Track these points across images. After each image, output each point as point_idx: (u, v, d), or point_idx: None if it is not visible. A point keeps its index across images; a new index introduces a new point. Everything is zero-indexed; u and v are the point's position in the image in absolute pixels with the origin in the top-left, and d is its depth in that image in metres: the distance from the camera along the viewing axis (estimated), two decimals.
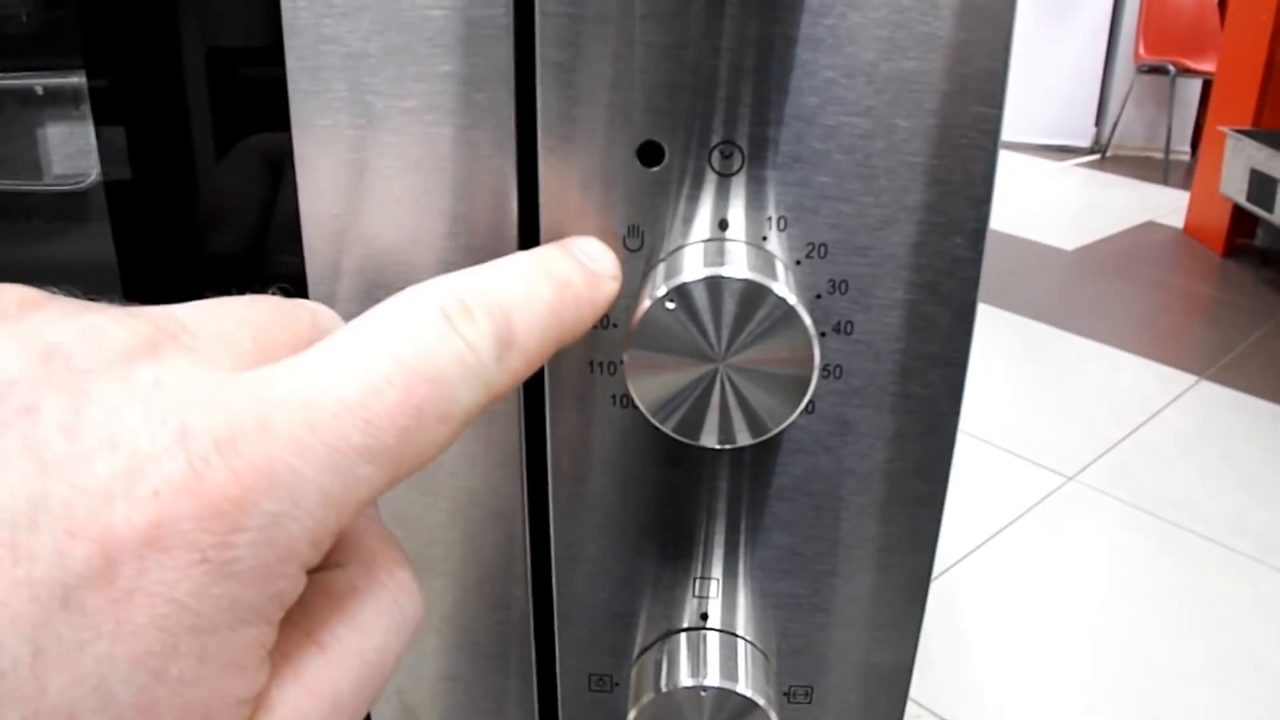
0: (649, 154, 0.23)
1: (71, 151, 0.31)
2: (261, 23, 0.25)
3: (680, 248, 0.23)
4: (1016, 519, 1.76)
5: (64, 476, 0.14)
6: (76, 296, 0.17)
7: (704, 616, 0.28)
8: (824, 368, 0.25)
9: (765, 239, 0.24)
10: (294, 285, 0.25)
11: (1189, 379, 2.28)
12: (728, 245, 0.23)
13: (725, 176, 0.23)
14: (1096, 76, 4.37)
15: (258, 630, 0.15)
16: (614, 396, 0.25)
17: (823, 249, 0.24)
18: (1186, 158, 4.16)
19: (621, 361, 0.23)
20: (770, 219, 0.24)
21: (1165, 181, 3.91)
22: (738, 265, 0.22)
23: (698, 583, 0.28)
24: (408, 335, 0.17)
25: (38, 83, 0.30)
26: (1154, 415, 2.12)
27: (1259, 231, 3.00)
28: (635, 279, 0.24)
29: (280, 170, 0.27)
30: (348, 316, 0.18)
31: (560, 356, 0.25)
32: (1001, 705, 1.35)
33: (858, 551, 0.27)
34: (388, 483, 0.16)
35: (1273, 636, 1.48)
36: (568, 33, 0.22)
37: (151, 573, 0.14)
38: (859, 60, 0.22)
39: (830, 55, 0.22)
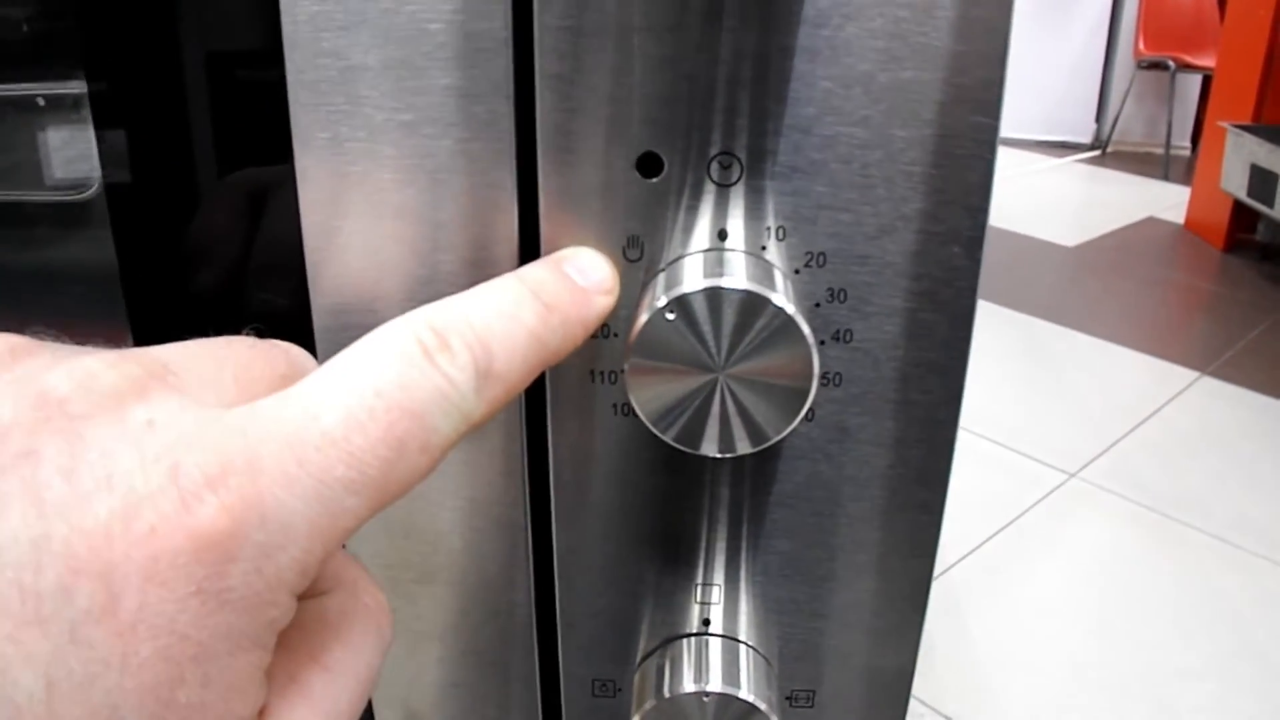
0: (648, 165, 0.23)
1: (72, 158, 0.31)
2: (262, 29, 0.25)
3: (680, 258, 0.24)
4: (1019, 516, 1.76)
5: (65, 517, 0.14)
6: (65, 344, 0.18)
7: (706, 622, 0.28)
8: (823, 375, 0.25)
9: (764, 248, 0.24)
10: (282, 313, 0.25)
11: (1190, 375, 2.28)
12: (727, 255, 0.23)
13: (724, 187, 0.23)
14: (1096, 72, 4.36)
15: (255, 655, 0.16)
16: (615, 405, 0.26)
17: (821, 258, 0.24)
18: (1187, 153, 4.15)
19: (622, 371, 0.23)
20: (769, 229, 0.24)
21: (1166, 177, 3.90)
22: (737, 275, 0.22)
23: (700, 589, 0.28)
24: (388, 370, 0.17)
25: (39, 92, 0.31)
26: (1155, 411, 2.12)
27: (1260, 227, 3.00)
28: (635, 289, 0.24)
29: (261, 207, 0.27)
30: (350, 329, 0.19)
31: (562, 366, 0.25)
32: (1003, 701, 1.36)
33: (858, 557, 0.28)
34: (371, 512, 0.17)
35: (1275, 631, 1.48)
36: (566, 45, 0.22)
37: (152, 605, 0.14)
38: (856, 71, 0.22)
39: (827, 66, 0.22)
